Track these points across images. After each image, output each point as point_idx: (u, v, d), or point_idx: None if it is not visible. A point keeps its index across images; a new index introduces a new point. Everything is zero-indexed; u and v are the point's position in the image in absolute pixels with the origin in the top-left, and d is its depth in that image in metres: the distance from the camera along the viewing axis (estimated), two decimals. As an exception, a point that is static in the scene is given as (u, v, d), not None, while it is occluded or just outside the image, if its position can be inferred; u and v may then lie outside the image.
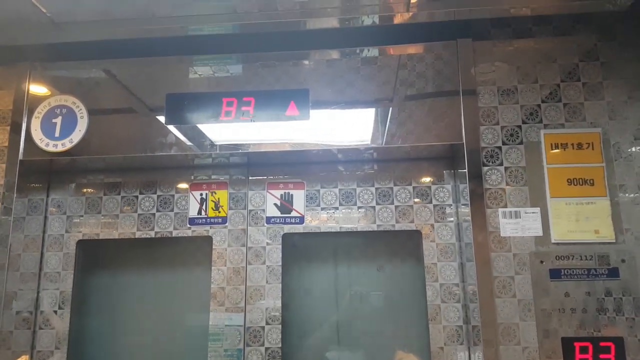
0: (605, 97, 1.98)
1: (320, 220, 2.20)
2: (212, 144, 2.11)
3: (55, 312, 2.18)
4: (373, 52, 2.11)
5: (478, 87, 2.02)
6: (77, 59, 2.20)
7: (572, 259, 1.87)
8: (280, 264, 2.15)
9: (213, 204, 2.23)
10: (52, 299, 2.19)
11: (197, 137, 2.12)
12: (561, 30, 2.04)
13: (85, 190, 2.30)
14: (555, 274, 1.86)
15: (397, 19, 2.01)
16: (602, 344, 1.80)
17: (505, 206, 1.92)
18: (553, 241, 1.88)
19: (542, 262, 1.87)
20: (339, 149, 2.10)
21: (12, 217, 2.11)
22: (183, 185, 2.27)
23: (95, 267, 2.33)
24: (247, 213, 2.22)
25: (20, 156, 2.13)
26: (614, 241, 1.87)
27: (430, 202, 2.15)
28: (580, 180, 1.92)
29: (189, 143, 2.12)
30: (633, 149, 1.93)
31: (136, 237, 2.23)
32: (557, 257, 1.87)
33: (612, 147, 1.94)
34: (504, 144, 1.98)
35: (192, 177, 2.28)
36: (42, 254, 2.24)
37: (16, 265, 2.15)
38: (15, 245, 2.14)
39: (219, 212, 2.22)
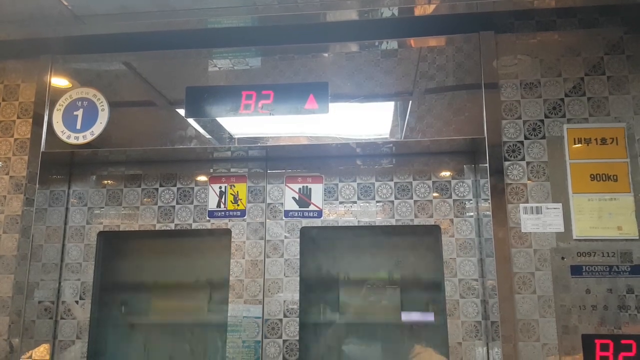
0: (630, 91, 1.94)
1: (338, 214, 2.19)
2: (231, 137, 2.11)
3: (77, 302, 2.21)
4: (393, 44, 2.08)
5: (500, 80, 1.99)
6: (98, 51, 2.21)
7: (594, 256, 1.84)
8: (298, 257, 2.15)
9: (232, 197, 2.24)
10: (73, 289, 2.22)
11: (217, 130, 2.13)
12: (586, 22, 2.00)
13: (106, 182, 2.33)
14: (576, 270, 1.84)
15: (418, 11, 1.98)
16: (623, 341, 1.78)
17: (527, 201, 1.90)
18: (575, 237, 1.86)
19: (563, 258, 1.85)
20: (357, 143, 2.09)
21: (34, 208, 2.14)
22: (202, 178, 2.28)
23: (115, 258, 2.36)
24: (265, 206, 2.22)
25: (42, 148, 2.16)
26: (637, 238, 1.84)
27: (450, 196, 2.14)
28: (604, 175, 1.89)
29: (208, 136, 2.12)
30: (659, 144, 1.89)
31: (156, 229, 2.25)
32: (579, 254, 1.85)
33: (637, 143, 1.90)
34: (526, 138, 1.95)
35: (211, 170, 2.29)
36: (63, 245, 2.27)
37: (38, 255, 2.19)
38: (37, 236, 2.18)
39: (238, 205, 2.23)
